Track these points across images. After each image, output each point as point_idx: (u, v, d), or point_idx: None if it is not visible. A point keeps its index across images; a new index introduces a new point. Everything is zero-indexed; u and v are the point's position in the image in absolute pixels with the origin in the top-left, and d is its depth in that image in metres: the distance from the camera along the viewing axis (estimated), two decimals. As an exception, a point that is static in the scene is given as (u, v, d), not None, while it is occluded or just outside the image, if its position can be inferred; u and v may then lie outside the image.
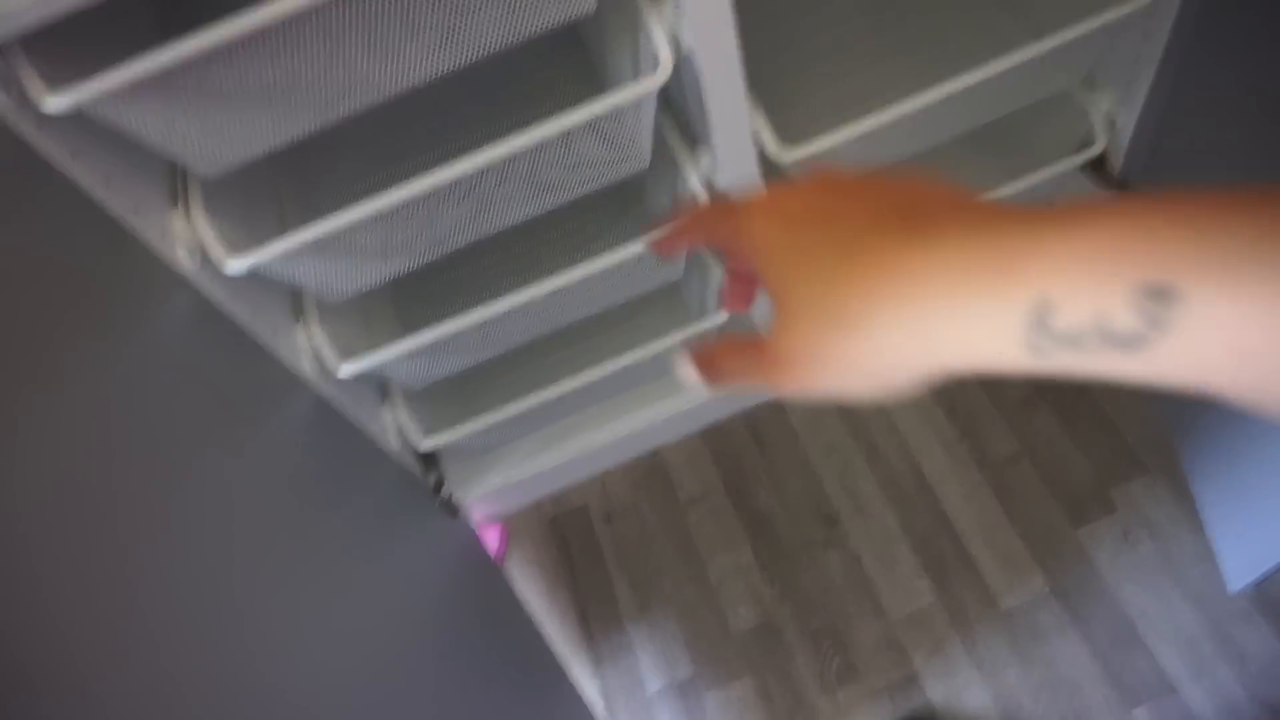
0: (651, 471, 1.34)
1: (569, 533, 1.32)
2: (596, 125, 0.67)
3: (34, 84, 0.49)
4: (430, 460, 1.14)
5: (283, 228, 0.75)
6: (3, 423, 0.36)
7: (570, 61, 0.97)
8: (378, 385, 1.05)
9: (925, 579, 1.21)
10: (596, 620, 1.26)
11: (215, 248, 0.65)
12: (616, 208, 1.12)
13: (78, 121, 0.51)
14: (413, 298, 1.08)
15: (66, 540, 0.36)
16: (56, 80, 0.49)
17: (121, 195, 0.57)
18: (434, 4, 0.54)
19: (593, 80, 0.96)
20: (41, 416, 0.39)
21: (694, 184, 0.84)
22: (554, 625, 1.26)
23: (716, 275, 1.03)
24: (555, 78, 0.97)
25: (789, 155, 0.82)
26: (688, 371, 0.39)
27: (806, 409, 1.35)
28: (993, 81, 0.83)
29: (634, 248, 0.82)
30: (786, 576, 1.24)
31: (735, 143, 0.77)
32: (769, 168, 0.85)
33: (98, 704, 0.33)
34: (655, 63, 0.66)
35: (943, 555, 1.22)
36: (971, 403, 1.31)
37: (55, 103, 0.49)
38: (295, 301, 0.81)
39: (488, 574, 1.22)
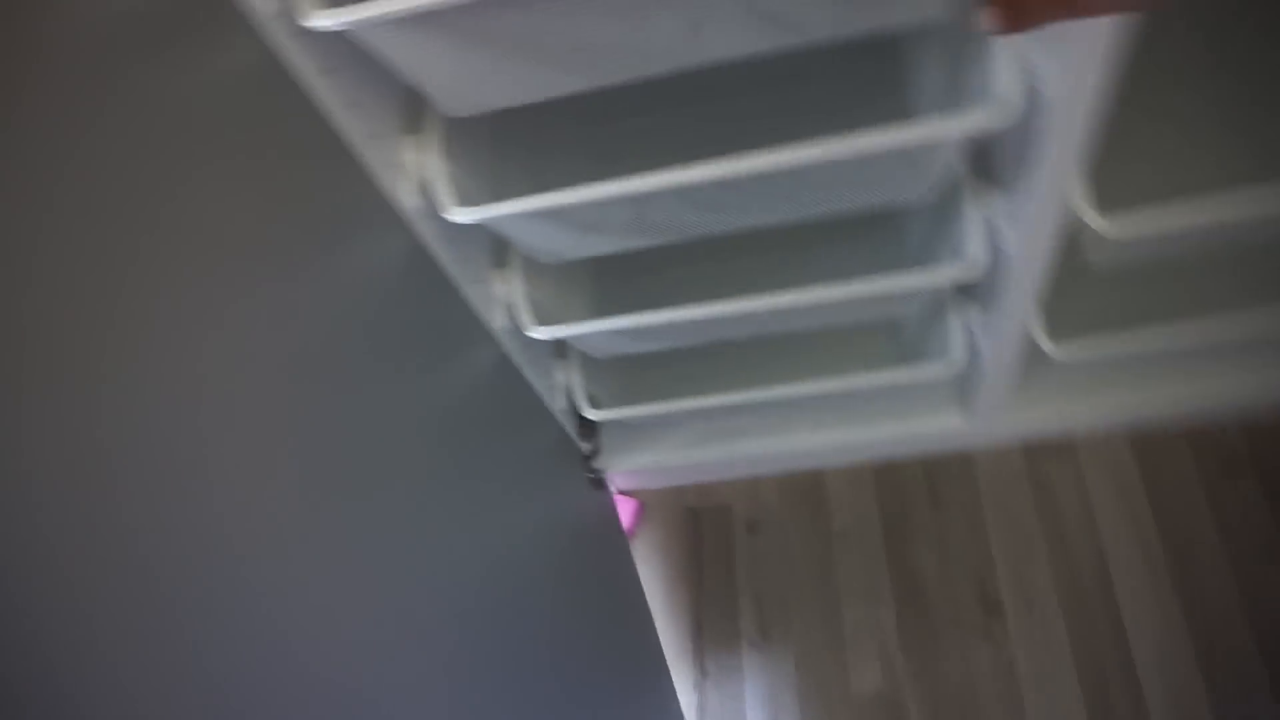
0: (809, 490, 1.24)
1: (706, 530, 1.25)
2: (903, 152, 0.56)
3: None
4: (589, 427, 1.08)
5: (506, 182, 0.68)
6: (242, 301, 0.40)
7: (867, 65, 0.84)
8: (555, 344, 0.99)
9: (1082, 708, 1.07)
10: (711, 632, 1.18)
11: (444, 192, 0.59)
12: (860, 219, 1.00)
13: (334, 40, 0.45)
14: (616, 272, 1.00)
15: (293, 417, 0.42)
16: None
17: (361, 120, 0.51)
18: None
19: (888, 87, 0.82)
20: (268, 302, 0.42)
21: (975, 228, 0.71)
22: (665, 622, 1.20)
23: (951, 323, 0.90)
24: (850, 80, 0.84)
25: (1106, 227, 0.68)
26: (989, 19, 0.33)
27: (998, 473, 1.21)
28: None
29: (865, 285, 0.72)
30: (926, 652, 1.12)
31: (1047, 201, 0.64)
32: (1069, 229, 0.71)
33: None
34: (990, 95, 0.54)
35: (1108, 686, 1.07)
36: (1195, 526, 1.13)
37: (322, 20, 0.42)
38: (499, 254, 0.76)
39: (620, 552, 1.16)
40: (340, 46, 0.46)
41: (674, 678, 1.16)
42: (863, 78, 0.79)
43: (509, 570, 0.72)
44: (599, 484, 1.10)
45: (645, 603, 1.18)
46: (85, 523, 0.29)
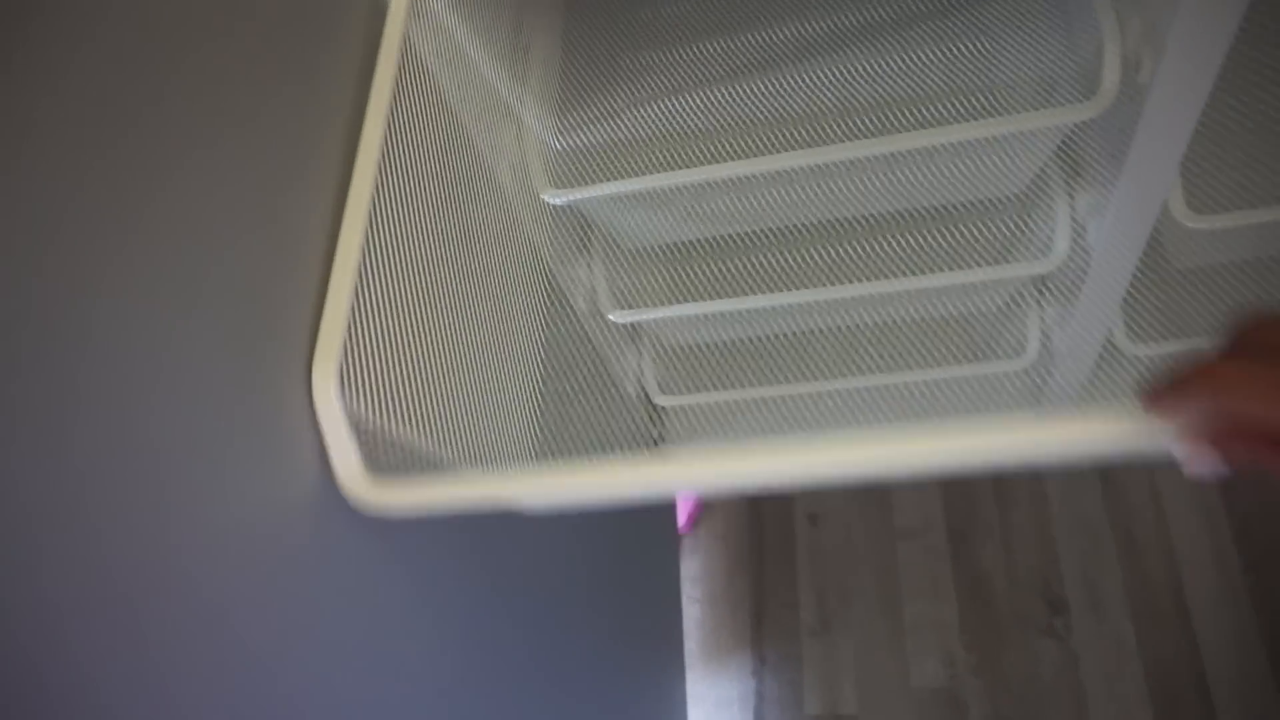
0: (872, 485, 1.24)
1: (768, 521, 1.26)
2: (998, 141, 0.56)
3: None
4: (657, 413, 1.09)
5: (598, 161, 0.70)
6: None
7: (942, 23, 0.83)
8: (630, 331, 1.00)
9: (1149, 711, 1.05)
10: (771, 621, 1.19)
11: (539, 176, 0.60)
12: (930, 220, 0.99)
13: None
14: (693, 258, 1.01)
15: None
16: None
17: (472, 87, 0.53)
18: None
19: (967, 41, 0.82)
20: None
21: (1062, 222, 0.71)
22: (725, 610, 1.21)
23: (1028, 319, 0.89)
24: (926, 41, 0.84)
25: (1196, 223, 0.67)
26: (1191, 455, 0.30)
27: (1068, 474, 1.19)
28: None
29: (941, 278, 0.71)
30: (989, 648, 1.12)
31: (1140, 197, 0.63)
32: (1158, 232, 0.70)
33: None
34: (1091, 88, 0.54)
35: (1178, 693, 1.06)
36: (1272, 535, 1.11)
37: None
38: (584, 238, 0.77)
39: (667, 544, 1.17)
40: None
41: (732, 665, 1.17)
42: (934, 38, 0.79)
43: (559, 543, 0.75)
44: (665, 470, 1.11)
45: (678, 598, 1.19)
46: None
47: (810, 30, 0.68)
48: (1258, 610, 1.07)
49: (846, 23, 0.68)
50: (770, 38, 0.68)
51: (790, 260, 0.96)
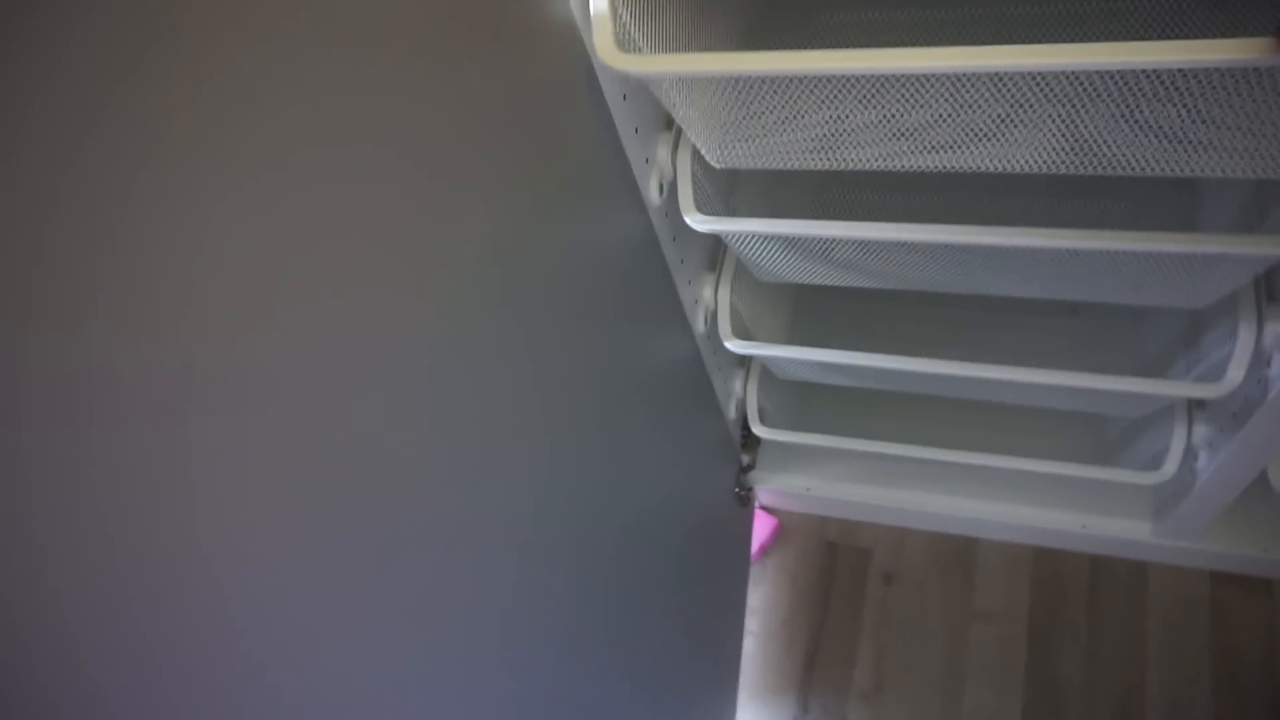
0: (958, 555, 1.18)
1: (841, 567, 1.21)
2: (1188, 260, 0.50)
3: (608, 44, 0.41)
4: (752, 440, 1.05)
5: (738, 199, 0.66)
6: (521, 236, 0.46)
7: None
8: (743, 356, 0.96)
9: None
10: (823, 670, 1.15)
11: (686, 198, 0.57)
12: (1089, 321, 0.92)
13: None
14: (821, 299, 0.96)
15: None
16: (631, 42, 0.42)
17: (630, 113, 0.51)
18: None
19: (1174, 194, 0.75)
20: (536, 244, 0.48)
21: (1242, 350, 0.64)
22: (778, 648, 1.17)
23: (1174, 434, 0.82)
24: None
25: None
26: None
27: (1174, 590, 1.10)
28: None
29: (1094, 380, 0.65)
30: (1047, 758, 1.05)
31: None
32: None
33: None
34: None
35: None
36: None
37: (623, 64, 0.41)
38: (714, 264, 0.74)
39: (738, 574, 1.14)
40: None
41: (774, 705, 1.14)
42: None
43: (631, 545, 0.74)
44: (744, 500, 1.08)
45: (739, 631, 1.16)
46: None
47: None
48: (1362, 795, 0.97)
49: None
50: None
51: (923, 325, 0.90)
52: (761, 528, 1.22)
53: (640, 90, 0.52)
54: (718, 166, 0.51)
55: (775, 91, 0.41)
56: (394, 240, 0.37)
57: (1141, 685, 1.07)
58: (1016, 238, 0.51)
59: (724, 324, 0.75)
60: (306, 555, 0.34)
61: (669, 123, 0.58)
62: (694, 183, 0.57)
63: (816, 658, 1.15)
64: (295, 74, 0.30)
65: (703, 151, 0.50)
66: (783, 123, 0.43)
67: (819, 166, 0.46)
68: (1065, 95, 0.39)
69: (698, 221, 0.57)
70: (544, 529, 0.55)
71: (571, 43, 0.46)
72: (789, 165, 0.46)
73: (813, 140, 0.44)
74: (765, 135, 0.45)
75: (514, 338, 0.47)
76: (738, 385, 0.95)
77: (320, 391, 0.33)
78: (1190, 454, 0.82)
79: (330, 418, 0.34)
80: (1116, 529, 1.05)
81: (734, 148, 0.48)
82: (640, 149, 0.54)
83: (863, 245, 0.56)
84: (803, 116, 0.42)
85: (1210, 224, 0.69)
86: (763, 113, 0.43)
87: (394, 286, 0.37)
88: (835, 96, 0.40)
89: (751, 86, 0.41)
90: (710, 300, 0.75)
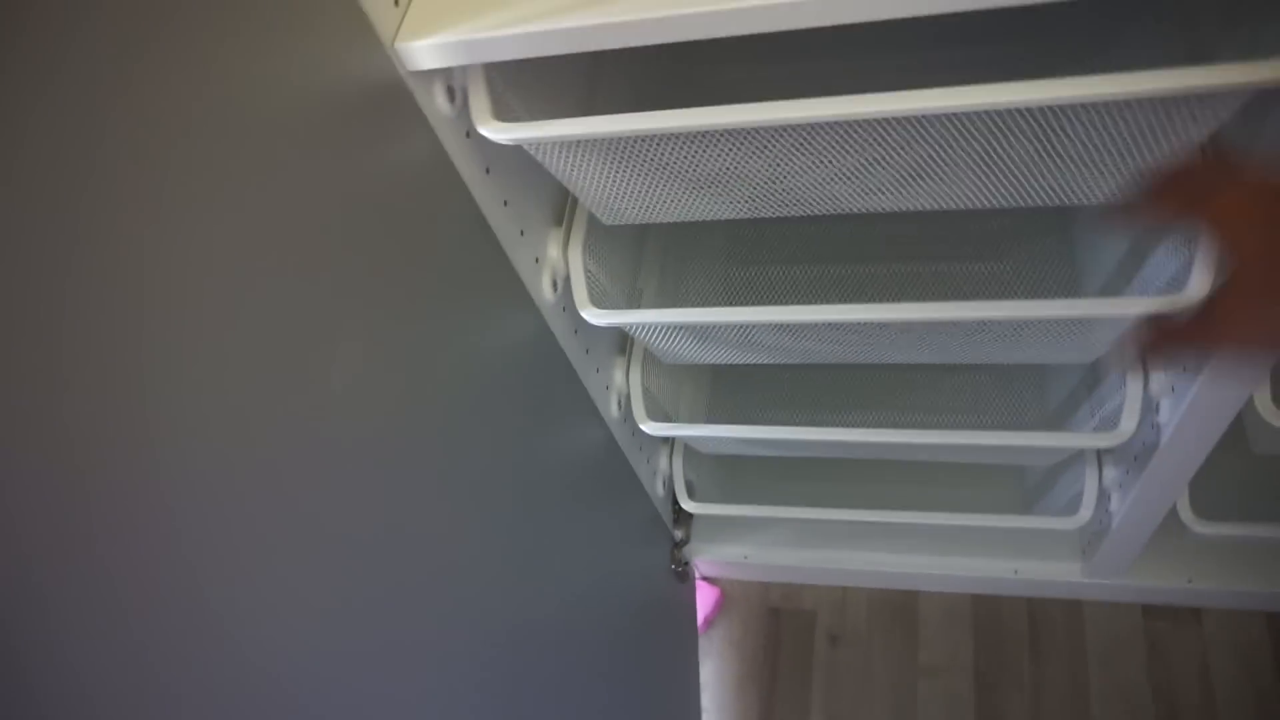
0: (900, 611, 1.18)
1: (786, 634, 1.20)
2: (1072, 323, 0.53)
3: (481, 108, 0.42)
4: (684, 516, 1.05)
5: (641, 286, 0.67)
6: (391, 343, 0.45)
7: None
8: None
9: None
10: (776, 740, 1.13)
11: (581, 294, 0.58)
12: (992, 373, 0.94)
13: (498, 145, 0.45)
14: (736, 375, 0.97)
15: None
16: (502, 110, 0.42)
17: (514, 217, 0.51)
18: (974, 163, 0.42)
19: (1057, 232, 0.78)
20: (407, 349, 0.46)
21: (1132, 400, 0.66)
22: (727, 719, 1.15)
23: (1086, 479, 0.84)
24: (1016, 219, 0.80)
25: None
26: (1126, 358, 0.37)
27: (1109, 628, 1.12)
28: None
29: (1001, 437, 0.67)
30: (1003, 810, 1.04)
31: (1224, 388, 0.59)
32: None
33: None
34: (1174, 283, 0.50)
35: None
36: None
37: (495, 133, 0.42)
38: (623, 348, 0.75)
39: (687, 650, 1.13)
40: (504, 150, 0.46)
41: (731, 784, 1.11)
42: (1033, 238, 0.75)
43: (572, 634, 0.73)
44: (682, 576, 1.07)
45: (697, 708, 1.15)
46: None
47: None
48: (1306, 818, 0.99)
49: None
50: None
51: (841, 387, 0.92)
52: (705, 599, 1.21)
53: (520, 191, 0.53)
54: (608, 223, 0.52)
55: (653, 147, 0.42)
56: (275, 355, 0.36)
57: (1088, 726, 1.07)
58: (906, 312, 0.53)
59: (638, 408, 0.75)
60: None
61: (558, 219, 0.59)
62: (588, 278, 0.57)
63: (769, 727, 1.14)
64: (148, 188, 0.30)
65: (594, 211, 0.51)
66: (667, 177, 0.45)
67: (704, 216, 0.47)
68: (907, 137, 0.41)
69: (595, 316, 0.58)
70: (472, 630, 0.54)
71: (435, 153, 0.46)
72: (678, 217, 0.48)
73: (696, 186, 0.45)
74: (650, 190, 0.46)
75: (412, 445, 0.47)
76: (663, 463, 0.95)
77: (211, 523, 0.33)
78: (1104, 496, 0.84)
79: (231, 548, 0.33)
80: (1048, 572, 1.06)
81: (623, 205, 0.49)
82: (529, 250, 0.55)
83: (759, 326, 0.57)
84: (686, 169, 0.43)
85: (1092, 280, 0.72)
86: (646, 170, 0.44)
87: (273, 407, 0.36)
88: (715, 148, 0.42)
89: (629, 145, 0.42)
90: (622, 385, 0.75)
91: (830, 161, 0.42)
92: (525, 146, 0.44)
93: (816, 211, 0.47)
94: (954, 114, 0.39)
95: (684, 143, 0.41)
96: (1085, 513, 0.83)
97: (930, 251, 0.80)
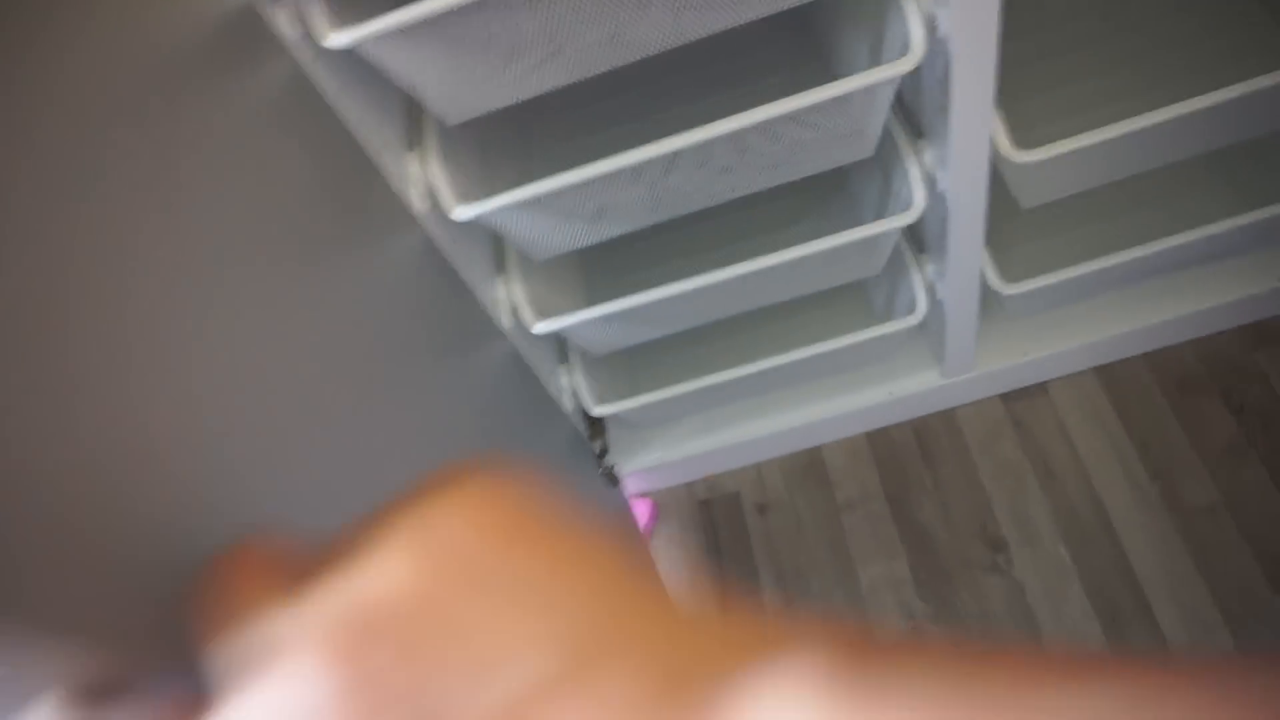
0: (810, 467, 1.32)
1: (719, 518, 1.32)
2: (833, 105, 0.65)
3: (321, 21, 0.51)
4: (598, 426, 1.15)
5: (499, 182, 0.77)
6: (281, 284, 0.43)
7: (784, 39, 0.95)
8: (558, 347, 1.06)
9: (1095, 622, 1.13)
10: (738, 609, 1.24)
11: (445, 194, 0.67)
12: (816, 194, 1.10)
13: (348, 59, 0.54)
14: (603, 265, 1.09)
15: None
16: (342, 19, 0.51)
17: (373, 134, 0.60)
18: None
19: (813, 62, 0.93)
20: (304, 290, 0.46)
21: (914, 176, 0.80)
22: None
23: (913, 278, 0.99)
24: (773, 56, 0.95)
25: (1023, 158, 0.77)
26: None
27: (980, 423, 1.29)
28: (1250, 100, 0.76)
29: (831, 240, 0.80)
30: (942, 595, 1.19)
31: (969, 140, 0.73)
32: (997, 170, 0.80)
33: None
34: (904, 47, 0.63)
35: (1118, 600, 1.14)
36: (1169, 442, 1.22)
37: (336, 39, 0.51)
38: (499, 258, 0.84)
39: (636, 546, 1.22)
40: (354, 65, 0.55)
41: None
42: (776, 51, 0.89)
43: None
44: (612, 480, 1.17)
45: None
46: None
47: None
48: (1170, 510, 1.17)
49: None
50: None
51: (696, 260, 1.04)
52: (642, 514, 1.31)
53: (379, 108, 0.61)
54: (453, 122, 0.61)
55: (472, 19, 0.51)
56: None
57: (988, 505, 1.23)
58: (688, 138, 0.64)
59: (524, 311, 0.83)
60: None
61: (410, 144, 0.68)
62: (451, 181, 0.66)
63: (728, 603, 1.24)
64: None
65: (437, 111, 0.60)
66: (502, 63, 0.54)
67: (541, 88, 0.58)
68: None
69: (461, 213, 0.67)
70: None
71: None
72: (513, 98, 0.58)
73: (531, 67, 0.55)
74: (490, 78, 0.56)
75: (320, 388, 0.45)
76: (565, 379, 1.04)
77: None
78: (931, 291, 0.99)
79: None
80: (915, 385, 1.22)
81: (465, 97, 0.58)
82: (397, 166, 0.64)
83: (610, 179, 0.67)
84: (520, 52, 0.53)
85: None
86: (471, 48, 0.53)
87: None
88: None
89: (448, 22, 0.51)
90: (506, 295, 0.84)
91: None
92: (362, 53, 0.53)
93: (627, 58, 0.58)
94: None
95: (501, 8, 0.51)
96: (921, 307, 0.97)
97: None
